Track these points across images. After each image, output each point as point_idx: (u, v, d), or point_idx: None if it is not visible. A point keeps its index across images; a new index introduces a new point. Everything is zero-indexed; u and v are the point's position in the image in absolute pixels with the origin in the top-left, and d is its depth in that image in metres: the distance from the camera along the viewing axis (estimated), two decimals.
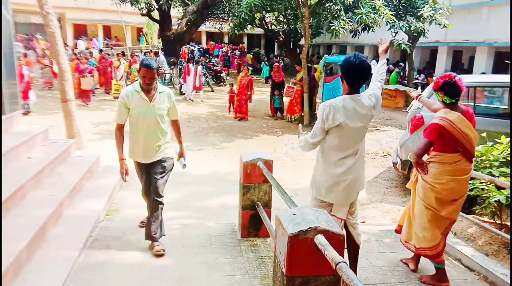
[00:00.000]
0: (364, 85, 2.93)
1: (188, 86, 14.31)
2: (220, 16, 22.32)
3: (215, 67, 19.58)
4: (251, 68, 14.00)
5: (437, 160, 3.15)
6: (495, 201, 3.83)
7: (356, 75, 2.79)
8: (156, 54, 16.84)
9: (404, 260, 3.66)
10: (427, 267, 3.51)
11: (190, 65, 14.25)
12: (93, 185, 5.01)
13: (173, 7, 18.35)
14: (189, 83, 14.20)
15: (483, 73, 12.93)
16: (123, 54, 15.92)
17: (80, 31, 30.01)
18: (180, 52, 19.55)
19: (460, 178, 3.12)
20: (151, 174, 3.60)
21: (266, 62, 22.36)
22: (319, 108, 2.85)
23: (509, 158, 4.17)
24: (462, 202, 3.21)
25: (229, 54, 26.31)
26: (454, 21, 13.19)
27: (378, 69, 3.10)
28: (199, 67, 14.40)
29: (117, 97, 13.81)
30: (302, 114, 11.00)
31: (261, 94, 15.91)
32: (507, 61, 11.45)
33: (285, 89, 11.39)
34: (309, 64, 11.75)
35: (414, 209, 3.35)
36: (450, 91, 3.07)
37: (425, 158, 3.26)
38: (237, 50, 28.20)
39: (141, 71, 3.39)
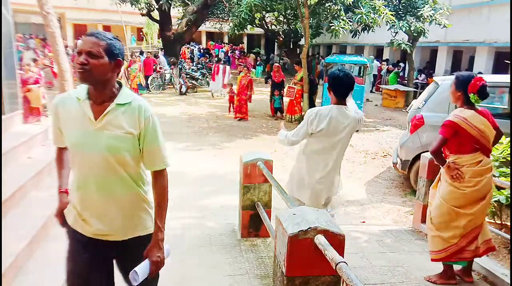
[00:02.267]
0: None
1: (217, 84, 15.45)
2: (220, 16, 22.30)
3: None
4: (253, 70, 14.28)
5: (460, 163, 3.14)
6: (495, 201, 3.83)
7: (342, 87, 3.06)
8: (156, 56, 17.00)
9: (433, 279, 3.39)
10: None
11: (220, 65, 15.44)
12: None
13: (173, 7, 18.32)
14: (219, 82, 15.29)
15: (480, 73, 12.92)
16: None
17: (80, 31, 29.95)
18: (180, 52, 19.54)
19: (487, 177, 3.13)
20: (108, 271, 1.97)
21: (258, 62, 22.75)
22: (307, 112, 3.11)
23: (509, 158, 4.17)
24: (490, 199, 3.22)
25: (229, 54, 26.31)
26: (454, 21, 13.19)
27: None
28: (227, 67, 15.61)
29: None
30: (303, 114, 11.00)
31: (261, 94, 15.90)
32: (507, 61, 11.44)
33: (285, 90, 11.39)
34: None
35: (431, 213, 3.31)
36: (483, 95, 3.12)
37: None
38: (236, 51, 28.19)
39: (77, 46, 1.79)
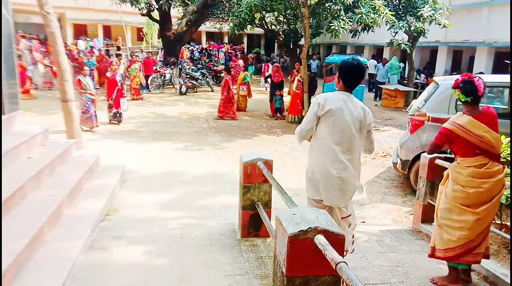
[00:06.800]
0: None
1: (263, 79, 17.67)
2: (220, 16, 22.26)
3: (215, 67, 19.60)
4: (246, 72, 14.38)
5: (464, 165, 3.13)
6: None
7: (352, 75, 2.97)
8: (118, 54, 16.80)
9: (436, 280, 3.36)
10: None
11: (270, 65, 17.06)
12: (93, 185, 5.01)
13: (173, 7, 18.32)
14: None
15: (481, 72, 12.90)
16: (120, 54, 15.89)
17: (80, 31, 29.93)
18: (180, 52, 19.54)
19: (492, 180, 3.06)
20: None
21: (249, 62, 22.88)
22: (314, 98, 3.03)
23: (509, 158, 4.17)
24: (497, 201, 3.15)
25: (230, 54, 26.27)
26: (454, 21, 13.19)
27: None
28: (270, 65, 17.24)
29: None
30: (303, 114, 10.97)
31: (261, 94, 15.91)
32: (507, 61, 11.44)
33: (295, 83, 11.23)
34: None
35: (438, 210, 3.29)
36: (465, 89, 3.09)
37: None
38: (236, 51, 28.16)
39: None
